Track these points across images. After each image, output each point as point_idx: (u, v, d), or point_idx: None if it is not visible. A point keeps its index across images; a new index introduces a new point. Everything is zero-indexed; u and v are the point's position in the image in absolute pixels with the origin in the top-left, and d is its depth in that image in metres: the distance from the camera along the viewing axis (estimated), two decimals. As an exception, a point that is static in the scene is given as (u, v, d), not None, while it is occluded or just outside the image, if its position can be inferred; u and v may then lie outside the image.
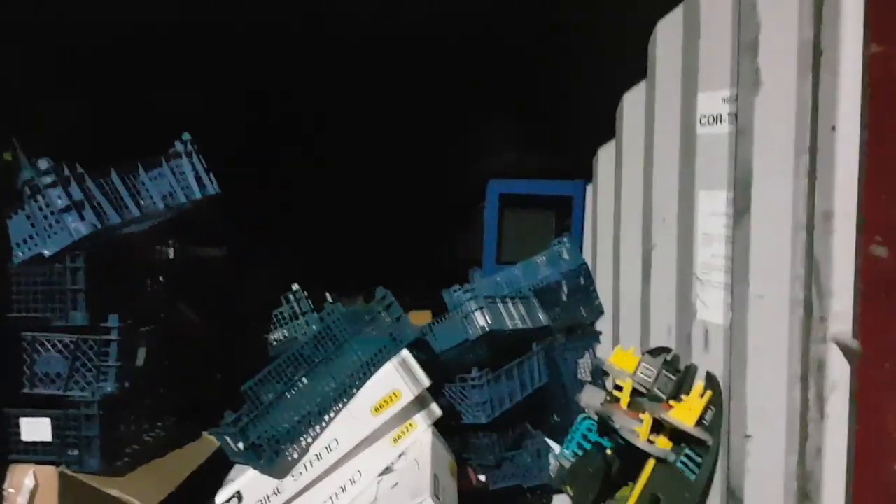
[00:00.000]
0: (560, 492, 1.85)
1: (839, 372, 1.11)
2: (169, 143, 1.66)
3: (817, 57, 1.19)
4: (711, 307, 1.60)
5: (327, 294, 2.00)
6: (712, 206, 1.60)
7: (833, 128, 1.12)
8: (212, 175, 1.62)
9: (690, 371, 1.62)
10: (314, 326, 1.87)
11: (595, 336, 2.37)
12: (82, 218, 1.35)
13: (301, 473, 1.61)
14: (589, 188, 2.58)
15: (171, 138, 1.68)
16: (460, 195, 2.86)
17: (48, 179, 1.37)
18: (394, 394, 1.67)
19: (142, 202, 1.48)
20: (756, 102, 1.36)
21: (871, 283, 1.02)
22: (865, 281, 1.03)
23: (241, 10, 2.27)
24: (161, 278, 1.61)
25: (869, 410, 1.02)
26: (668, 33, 1.84)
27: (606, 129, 2.30)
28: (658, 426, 1.55)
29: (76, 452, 1.43)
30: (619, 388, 1.73)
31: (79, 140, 1.60)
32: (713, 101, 1.60)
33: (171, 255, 1.64)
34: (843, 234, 1.10)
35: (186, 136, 1.61)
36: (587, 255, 2.52)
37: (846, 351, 1.08)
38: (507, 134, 2.89)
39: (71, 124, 1.81)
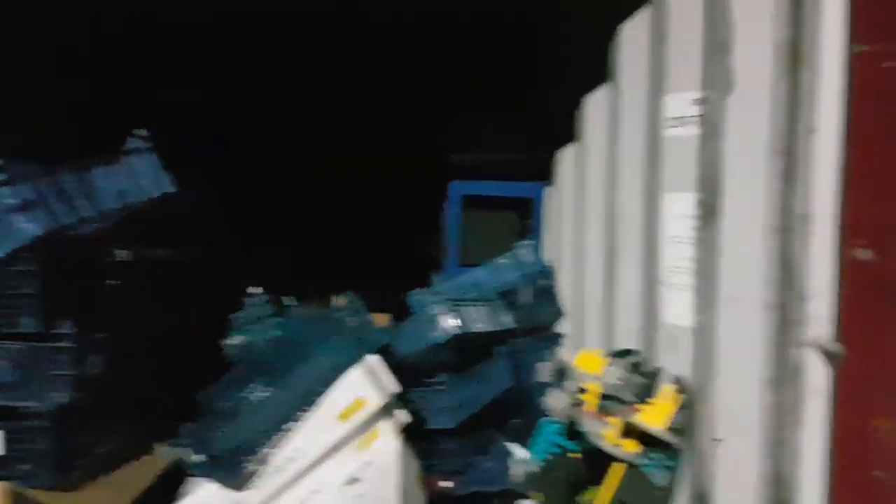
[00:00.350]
0: (525, 496, 1.82)
1: (817, 376, 1.11)
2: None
3: (795, 57, 1.18)
4: (677, 310, 1.59)
5: (287, 298, 1.94)
6: (678, 209, 1.60)
7: (812, 130, 1.12)
8: (168, 173, 1.55)
9: (657, 374, 1.61)
10: (275, 331, 1.81)
11: (557, 338, 2.36)
12: (34, 218, 1.27)
13: (262, 485, 1.55)
14: (549, 190, 2.58)
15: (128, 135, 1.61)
16: (421, 197, 2.83)
17: (-2, 178, 1.29)
18: (360, 401, 1.61)
19: (96, 201, 1.40)
20: (728, 104, 1.36)
21: (855, 286, 1.01)
22: (849, 284, 1.02)
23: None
24: (115, 281, 1.52)
25: (851, 416, 1.02)
26: (632, 37, 1.84)
27: (566, 132, 2.30)
28: (625, 430, 1.54)
29: (26, 466, 1.33)
30: (584, 391, 1.72)
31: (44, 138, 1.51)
32: (681, 103, 1.60)
33: (127, 258, 1.55)
34: (821, 238, 1.10)
35: (142, 132, 1.53)
36: (547, 257, 2.51)
37: (826, 354, 1.08)
38: (470, 136, 2.87)
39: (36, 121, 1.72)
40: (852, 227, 1.00)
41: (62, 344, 1.36)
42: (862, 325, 0.99)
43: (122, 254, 1.54)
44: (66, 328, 1.36)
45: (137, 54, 2.15)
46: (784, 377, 1.17)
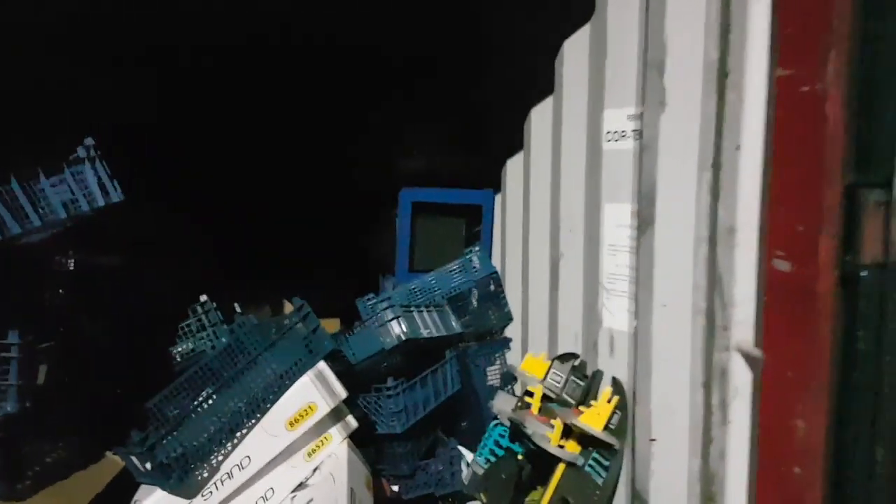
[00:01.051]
0: (473, 498, 1.87)
1: (741, 378, 1.18)
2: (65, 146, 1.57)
3: (722, 78, 1.26)
4: (617, 315, 1.66)
5: (236, 305, 1.94)
6: (617, 219, 1.66)
7: (738, 147, 1.19)
8: (115, 182, 1.54)
9: (597, 377, 1.68)
10: (224, 339, 1.81)
11: (505, 342, 2.42)
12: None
13: (212, 493, 1.56)
14: (498, 198, 2.64)
15: (70, 140, 1.59)
16: (371, 204, 2.85)
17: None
18: (309, 407, 1.64)
19: (42, 211, 1.39)
20: (661, 120, 1.43)
21: (773, 293, 1.08)
22: (768, 292, 1.10)
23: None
24: (61, 290, 1.51)
25: (771, 416, 1.09)
26: (574, 52, 1.90)
27: (515, 141, 2.35)
28: (567, 431, 1.60)
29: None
30: (529, 394, 1.77)
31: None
32: (618, 117, 1.67)
33: (72, 266, 1.54)
34: (745, 248, 1.17)
35: (89, 141, 1.53)
36: (497, 263, 2.57)
37: (748, 359, 1.15)
38: (420, 144, 2.91)
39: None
40: (772, 239, 1.07)
41: (9, 354, 1.34)
42: (779, 330, 1.06)
43: (68, 263, 1.53)
44: (12, 338, 1.34)
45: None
46: (711, 379, 1.24)
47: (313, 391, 1.64)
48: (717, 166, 1.26)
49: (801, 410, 1.00)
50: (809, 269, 0.97)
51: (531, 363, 1.82)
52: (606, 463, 1.56)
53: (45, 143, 1.46)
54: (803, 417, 1.00)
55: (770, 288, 1.08)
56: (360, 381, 1.97)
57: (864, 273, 0.92)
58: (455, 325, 2.24)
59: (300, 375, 1.66)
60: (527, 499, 1.74)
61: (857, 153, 0.93)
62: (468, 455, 2.03)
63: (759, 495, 1.12)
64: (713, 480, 1.24)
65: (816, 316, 0.96)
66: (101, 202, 1.48)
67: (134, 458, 1.46)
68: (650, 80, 1.48)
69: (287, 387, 1.64)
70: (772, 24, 1.10)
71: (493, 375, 2.37)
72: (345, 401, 1.77)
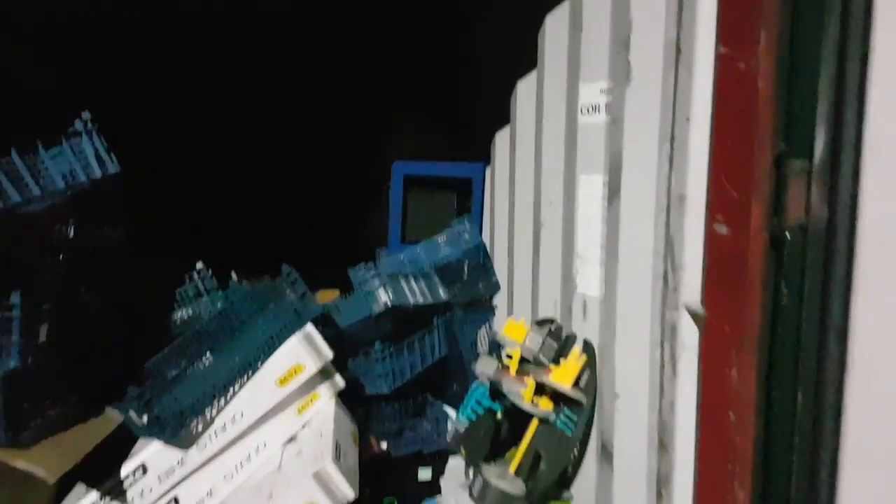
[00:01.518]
0: (455, 453, 1.98)
1: (689, 335, 1.27)
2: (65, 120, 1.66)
3: (677, 55, 1.33)
4: (590, 281, 1.75)
5: (232, 272, 2.04)
6: (591, 190, 1.74)
7: (687, 119, 1.27)
8: (112, 154, 1.64)
9: (570, 339, 1.77)
10: (219, 304, 1.92)
11: (491, 310, 2.51)
12: (-16, 195, 1.36)
13: (206, 445, 1.67)
14: (488, 171, 2.71)
15: (68, 114, 1.68)
16: (367, 177, 2.93)
17: (-55, 157, 1.37)
18: (298, 366, 1.74)
19: (42, 182, 1.49)
20: (626, 94, 1.51)
21: (714, 256, 1.17)
22: (710, 255, 1.18)
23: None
24: (60, 256, 1.61)
25: (711, 366, 1.18)
26: (555, 26, 1.97)
27: (504, 114, 2.43)
28: (541, 389, 1.69)
29: (-21, 426, 1.44)
30: (509, 357, 1.87)
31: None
32: (592, 91, 1.74)
33: (71, 234, 1.64)
34: (694, 215, 1.25)
35: (86, 114, 1.62)
36: (486, 235, 2.66)
37: (694, 316, 1.24)
38: (412, 118, 2.98)
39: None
40: (713, 205, 1.15)
41: (11, 314, 1.44)
42: (718, 289, 1.14)
43: (67, 231, 1.63)
44: (14, 299, 1.44)
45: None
46: (664, 337, 1.33)
47: (301, 352, 1.74)
48: (673, 138, 1.34)
49: (735, 361, 1.09)
50: (742, 231, 1.06)
51: (512, 328, 1.90)
52: (576, 418, 1.66)
53: (43, 118, 1.55)
54: (737, 367, 1.09)
55: (710, 250, 1.16)
56: (349, 346, 2.08)
57: (788, 234, 1.00)
58: (442, 293, 2.33)
59: (289, 337, 1.75)
60: (506, 455, 1.84)
61: (784, 125, 1.01)
62: (453, 415, 2.13)
63: (701, 441, 1.21)
64: (665, 430, 1.33)
65: (747, 275, 1.05)
66: (98, 173, 1.58)
67: (132, 413, 1.57)
68: (617, 55, 1.56)
69: (276, 348, 1.74)
70: (717, 4, 1.17)
71: (480, 342, 2.47)
72: (335, 364, 1.87)
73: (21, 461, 1.43)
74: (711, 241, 1.17)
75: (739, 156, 1.08)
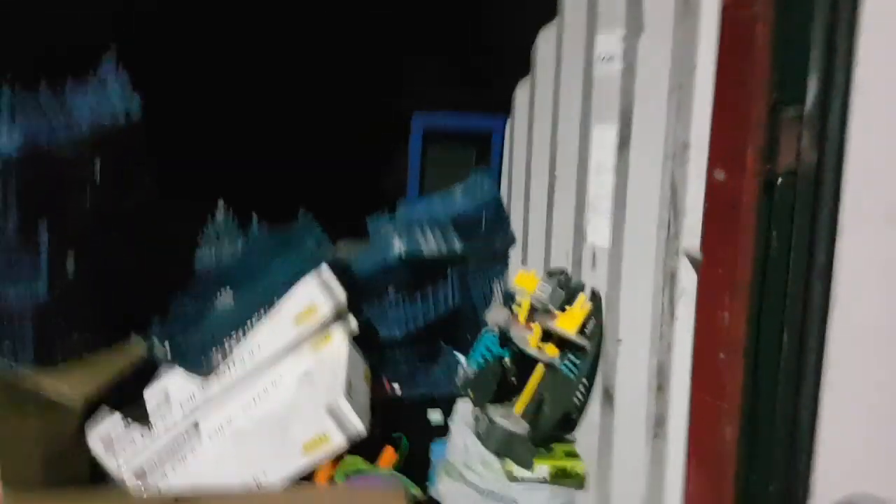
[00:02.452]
0: (464, 397, 2.04)
1: (688, 280, 1.30)
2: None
3: (687, 3, 1.34)
4: (599, 231, 1.77)
5: (253, 214, 2.10)
6: (603, 140, 1.76)
7: (693, 68, 1.28)
8: (137, 96, 1.69)
9: (578, 288, 1.81)
10: (239, 246, 1.98)
11: (506, 262, 2.56)
12: (13, 131, 1.41)
13: (225, 374, 1.75)
14: (508, 124, 2.73)
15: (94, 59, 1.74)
16: (388, 129, 2.96)
17: (-21, 93, 1.43)
18: (313, 306, 1.81)
19: (68, 117, 1.54)
20: (639, 43, 1.52)
21: (712, 202, 1.20)
22: (709, 201, 1.21)
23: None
24: (86, 194, 1.68)
25: (705, 309, 1.22)
26: (575, -24, 1.97)
27: (523, 67, 2.43)
28: (547, 336, 1.74)
29: (10, 346, 1.52)
30: (520, 306, 1.91)
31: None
32: (609, 41, 1.74)
33: (96, 174, 1.71)
34: (696, 162, 1.27)
35: (112, 55, 1.67)
36: (504, 188, 2.69)
37: (692, 261, 1.27)
38: (433, 70, 2.99)
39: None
40: (713, 152, 1.17)
41: (40, 245, 1.52)
42: (714, 234, 1.17)
43: (92, 168, 1.69)
44: (42, 231, 1.52)
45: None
46: (665, 283, 1.36)
47: (316, 292, 1.81)
48: (680, 87, 1.35)
49: (727, 303, 1.12)
50: (737, 177, 1.08)
51: (523, 278, 1.94)
52: (579, 363, 1.70)
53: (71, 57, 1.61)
54: (728, 310, 1.12)
55: (709, 196, 1.19)
56: (365, 292, 2.14)
57: (780, 179, 1.02)
58: (457, 244, 2.37)
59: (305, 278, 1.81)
60: (513, 399, 1.90)
61: (779, 73, 1.02)
62: (464, 361, 2.19)
63: (694, 381, 1.25)
64: (662, 371, 1.38)
65: (740, 219, 1.07)
66: (121, 110, 1.63)
67: (156, 341, 1.65)
68: (632, 5, 1.56)
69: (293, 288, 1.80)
70: (726, -49, 1.18)
71: (493, 292, 2.51)
72: (350, 309, 1.94)
73: (49, 381, 1.53)
74: (710, 188, 1.19)
75: (737, 103, 1.09)
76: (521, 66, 2.46)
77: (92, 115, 1.58)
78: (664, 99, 1.42)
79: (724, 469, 1.16)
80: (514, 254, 2.55)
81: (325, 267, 1.84)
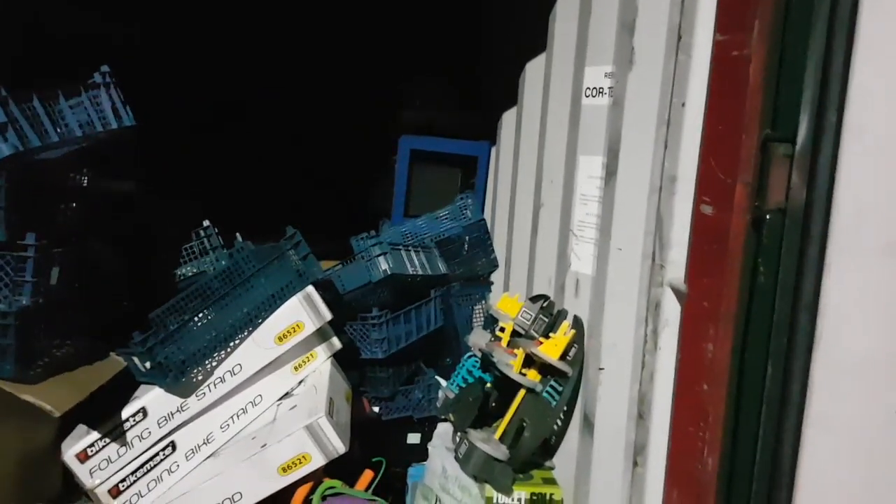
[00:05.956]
0: (444, 420, 2.04)
1: (672, 311, 1.32)
2: (86, 72, 1.71)
3: (678, 41, 1.37)
4: (583, 259, 1.80)
5: (237, 234, 2.09)
6: (590, 170, 1.79)
7: (683, 104, 1.32)
8: (128, 107, 1.69)
9: (561, 314, 1.83)
10: (223, 262, 1.97)
11: (488, 286, 2.57)
12: (5, 139, 1.40)
13: (205, 394, 1.73)
14: (494, 149, 2.76)
15: (88, 66, 1.73)
16: (372, 151, 2.98)
17: (-28, 102, 1.42)
18: (297, 325, 1.80)
19: (60, 129, 1.54)
20: (629, 78, 1.55)
21: (699, 235, 1.22)
22: (696, 234, 1.24)
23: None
24: (74, 204, 1.67)
25: (690, 341, 1.24)
26: (565, 9, 2.01)
27: (511, 95, 2.47)
28: (530, 361, 1.75)
29: (-8, 360, 1.50)
30: (503, 331, 1.92)
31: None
32: (597, 75, 1.78)
33: (85, 183, 1.70)
34: (683, 196, 1.30)
35: (105, 67, 1.67)
36: (488, 212, 2.71)
37: (677, 293, 1.29)
38: (423, 95, 3.02)
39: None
40: (701, 186, 1.20)
41: (26, 254, 1.50)
42: (701, 267, 1.19)
43: (81, 179, 1.68)
44: (30, 239, 1.50)
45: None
46: (648, 314, 1.38)
47: (301, 311, 1.80)
48: (668, 122, 1.39)
49: (712, 335, 1.15)
50: (726, 212, 1.11)
51: (506, 302, 1.96)
52: (560, 389, 1.72)
53: (64, 70, 1.60)
54: (713, 342, 1.14)
55: (696, 230, 1.22)
56: (348, 311, 2.14)
57: (768, 216, 1.05)
58: (441, 266, 2.39)
59: (290, 296, 1.81)
60: (493, 424, 1.91)
61: (771, 111, 1.06)
62: (444, 384, 2.19)
63: (676, 411, 1.27)
64: (644, 401, 1.39)
65: (728, 253, 1.10)
66: (114, 125, 1.63)
67: (135, 359, 1.63)
68: (622, 39, 1.60)
69: (278, 306, 1.80)
70: (718, -8, 1.22)
71: (475, 316, 2.53)
72: (333, 327, 1.93)
73: (29, 395, 1.50)
74: (697, 222, 1.22)
75: (728, 139, 1.13)
76: (508, 95, 2.50)
77: (83, 128, 1.58)
78: (652, 132, 1.45)
79: (704, 499, 1.18)
80: (497, 277, 2.57)
81: (310, 286, 1.83)
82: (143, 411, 1.69)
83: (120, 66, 1.76)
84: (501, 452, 1.72)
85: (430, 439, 2.05)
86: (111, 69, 1.68)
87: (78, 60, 1.74)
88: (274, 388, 1.82)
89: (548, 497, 1.72)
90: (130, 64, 1.78)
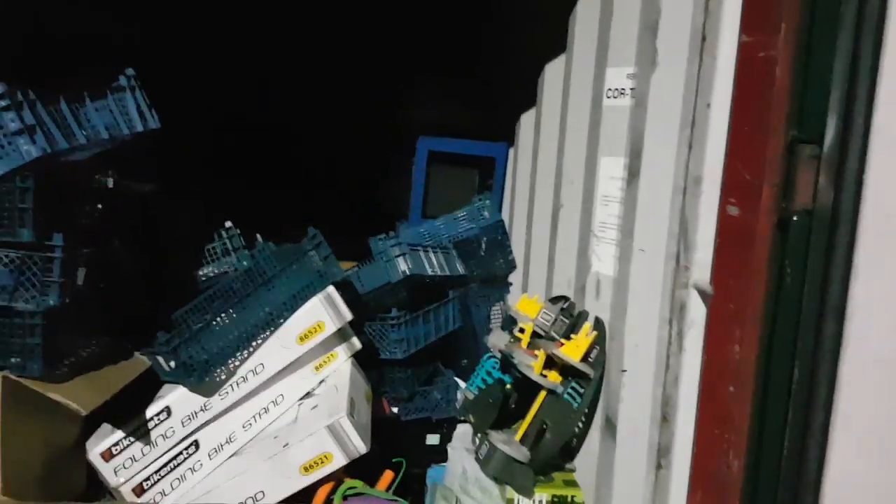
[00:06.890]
0: (464, 421, 2.04)
1: (697, 313, 1.32)
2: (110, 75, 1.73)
3: (702, 42, 1.37)
4: (604, 260, 1.80)
5: (258, 235, 2.11)
6: (611, 171, 1.79)
7: (708, 105, 1.31)
8: (153, 110, 1.71)
9: (582, 316, 1.83)
10: (245, 262, 1.98)
11: (507, 287, 2.57)
12: (33, 141, 1.42)
13: (228, 393, 1.75)
14: (511, 150, 2.76)
15: (113, 69, 1.75)
16: (391, 151, 2.99)
17: (2, 103, 1.43)
18: (318, 325, 1.81)
19: (87, 131, 1.56)
20: (652, 79, 1.55)
21: (724, 237, 1.22)
22: (721, 235, 1.23)
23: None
24: (99, 205, 1.69)
25: (716, 342, 1.24)
26: (586, 11, 2.01)
27: (529, 96, 2.47)
28: (551, 362, 1.75)
29: (19, 359, 1.52)
30: (522, 332, 1.92)
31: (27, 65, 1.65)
32: (619, 76, 1.78)
33: (110, 185, 1.72)
34: (708, 197, 1.30)
35: (130, 71, 1.69)
36: (506, 213, 2.71)
37: (702, 295, 1.29)
38: (440, 95, 3.02)
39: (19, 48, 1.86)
40: (727, 188, 1.20)
41: (53, 254, 1.52)
42: (726, 269, 1.19)
43: (106, 180, 1.71)
44: (57, 240, 1.52)
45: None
46: (672, 315, 1.38)
47: (322, 311, 1.81)
48: (693, 123, 1.38)
49: (738, 337, 1.14)
50: (752, 213, 1.11)
51: (525, 303, 1.96)
52: (582, 391, 1.71)
53: (64, 70, 1.63)
54: (739, 343, 1.14)
55: (722, 231, 1.21)
56: (367, 311, 2.14)
57: (795, 218, 1.05)
58: (459, 267, 2.39)
59: (311, 297, 1.82)
60: (513, 425, 1.91)
61: (797, 112, 1.05)
62: (463, 386, 2.20)
63: (701, 413, 1.27)
64: (668, 403, 1.39)
65: (754, 255, 1.10)
66: (139, 127, 1.65)
67: (159, 358, 1.65)
68: (645, 41, 1.60)
69: (298, 307, 1.81)
70: (744, -7, 1.21)
71: (493, 317, 2.53)
72: (352, 327, 1.94)
73: (56, 394, 1.52)
74: (723, 223, 1.21)
75: (754, 140, 1.12)
76: (526, 96, 2.50)
77: (110, 129, 1.59)
78: (676, 133, 1.45)
79: (729, 501, 1.17)
80: (515, 279, 2.57)
81: (331, 287, 1.84)
82: (168, 410, 1.70)
83: (119, 67, 1.77)
84: (522, 454, 1.73)
85: (449, 440, 2.05)
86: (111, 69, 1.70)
87: (78, 60, 1.77)
88: (295, 387, 1.83)
89: (569, 499, 1.72)
90: (130, 64, 1.79)
